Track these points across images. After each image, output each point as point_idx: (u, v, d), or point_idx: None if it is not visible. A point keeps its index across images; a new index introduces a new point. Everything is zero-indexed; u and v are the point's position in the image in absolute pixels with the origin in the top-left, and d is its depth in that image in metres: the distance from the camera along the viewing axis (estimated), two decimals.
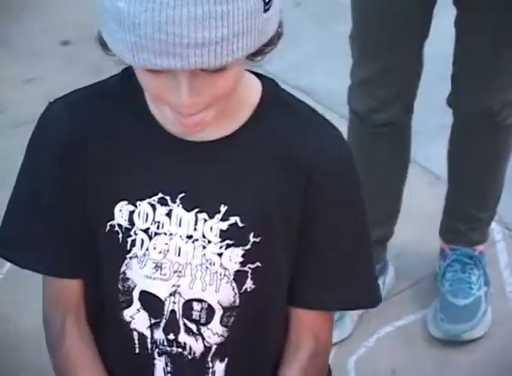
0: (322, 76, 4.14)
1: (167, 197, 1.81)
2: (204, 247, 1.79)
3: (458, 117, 3.07)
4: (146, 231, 1.80)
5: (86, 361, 1.98)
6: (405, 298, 3.31)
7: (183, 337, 1.84)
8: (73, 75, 4.21)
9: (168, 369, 1.88)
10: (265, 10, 1.62)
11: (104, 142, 1.83)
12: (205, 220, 1.80)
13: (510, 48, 2.92)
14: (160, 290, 1.81)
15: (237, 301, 1.82)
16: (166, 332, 1.84)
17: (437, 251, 3.31)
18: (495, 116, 2.98)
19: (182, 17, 1.55)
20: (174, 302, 1.83)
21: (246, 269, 1.81)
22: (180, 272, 1.81)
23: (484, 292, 3.17)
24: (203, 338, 1.86)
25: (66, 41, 4.31)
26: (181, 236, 1.80)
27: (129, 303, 1.85)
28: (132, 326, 1.86)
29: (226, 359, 1.88)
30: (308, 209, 1.81)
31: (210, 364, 1.88)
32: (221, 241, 1.79)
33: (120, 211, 1.81)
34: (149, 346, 1.87)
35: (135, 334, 1.86)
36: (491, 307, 3.14)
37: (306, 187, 1.80)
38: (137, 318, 1.84)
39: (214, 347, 1.86)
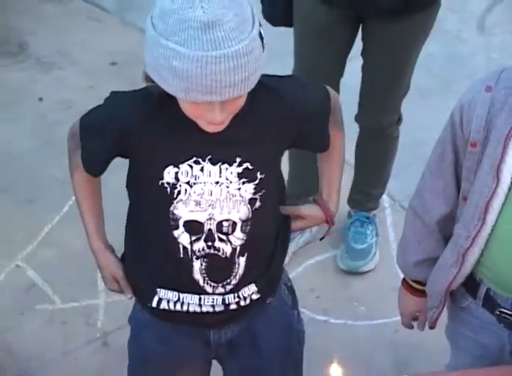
0: None
1: (199, 159, 2.15)
2: (227, 187, 2.17)
3: (361, 129, 3.59)
4: (187, 183, 2.16)
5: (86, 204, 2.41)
6: (324, 242, 3.35)
7: (217, 243, 2.23)
8: (118, 85, 4.45)
9: (203, 268, 2.26)
10: (263, 49, 1.97)
11: (152, 129, 2.16)
12: (226, 169, 2.16)
13: (394, 90, 3.41)
14: (201, 217, 2.19)
15: (250, 215, 2.22)
16: (206, 242, 2.22)
17: (346, 213, 3.87)
18: (384, 130, 3.54)
19: (221, 70, 1.88)
20: (210, 224, 2.21)
21: (256, 196, 2.21)
22: (213, 205, 2.18)
23: (375, 241, 3.76)
24: (231, 243, 2.24)
25: (114, 62, 4.52)
26: (211, 183, 2.16)
27: (176, 227, 2.21)
28: (179, 240, 2.22)
29: (246, 254, 2.27)
30: (297, 134, 2.26)
31: (236, 260, 2.27)
32: (239, 180, 2.17)
33: (169, 173, 2.15)
34: (190, 254, 2.24)
35: (180, 246, 2.23)
36: (379, 250, 3.74)
37: (295, 120, 2.21)
38: (182, 236, 2.22)
39: (238, 248, 2.25)
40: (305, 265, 3.79)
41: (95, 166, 2.32)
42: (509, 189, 2.25)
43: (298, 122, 2.24)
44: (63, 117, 4.12)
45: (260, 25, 1.96)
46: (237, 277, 2.29)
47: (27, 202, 3.94)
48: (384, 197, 3.90)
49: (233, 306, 2.32)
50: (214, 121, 2.02)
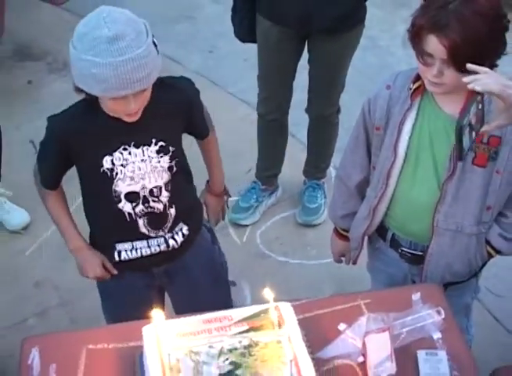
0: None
1: (126, 146, 2.19)
2: (150, 162, 2.21)
3: (310, 118, 3.57)
4: (121, 165, 2.19)
5: (62, 214, 2.39)
6: (286, 204, 3.83)
7: (152, 204, 2.27)
8: None
9: (146, 223, 2.30)
10: (158, 53, 2.04)
11: (85, 133, 2.17)
12: (147, 149, 2.20)
13: (332, 89, 3.40)
14: (136, 188, 2.23)
15: (170, 178, 2.26)
16: (143, 204, 2.25)
17: (301, 181, 3.84)
18: (327, 118, 3.52)
19: (128, 69, 1.94)
20: (144, 191, 2.24)
21: (172, 164, 2.25)
22: (143, 177, 2.22)
23: (324, 201, 3.74)
24: (161, 201, 2.28)
25: None
26: (138, 161, 2.20)
27: (120, 200, 2.25)
28: (123, 209, 2.27)
29: (174, 206, 2.31)
30: (188, 117, 2.27)
31: (168, 211, 2.31)
32: (157, 155, 2.22)
33: (106, 161, 2.18)
34: (134, 216, 2.28)
35: (126, 212, 2.27)
36: (326, 209, 3.60)
37: (188, 109, 2.26)
38: (125, 206, 2.26)
39: (167, 203, 2.29)
40: (272, 221, 3.79)
41: (51, 181, 2.34)
42: (404, 161, 2.31)
43: (189, 107, 2.29)
44: None
45: (153, 36, 2.02)
46: (171, 221, 2.34)
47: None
48: (331, 168, 3.86)
49: (172, 242, 2.37)
50: (130, 111, 2.07)
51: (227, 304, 2.58)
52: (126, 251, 2.36)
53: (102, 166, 2.19)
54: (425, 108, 2.26)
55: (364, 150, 2.42)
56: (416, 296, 2.21)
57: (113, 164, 2.20)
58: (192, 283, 2.50)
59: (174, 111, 2.24)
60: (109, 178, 2.21)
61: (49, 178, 2.33)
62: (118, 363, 2.10)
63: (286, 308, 2.07)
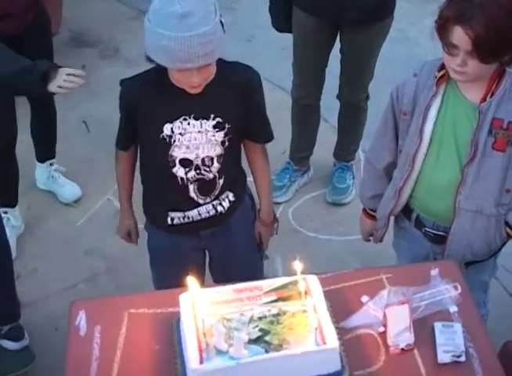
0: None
1: (186, 117, 2.20)
2: (206, 134, 2.23)
3: (341, 104, 3.55)
4: (180, 134, 2.21)
5: (125, 177, 2.45)
6: (317, 183, 3.81)
7: (203, 172, 2.28)
8: None
9: (196, 188, 2.31)
10: (224, 32, 2.04)
11: (151, 99, 2.18)
12: (205, 122, 2.21)
13: (362, 77, 3.38)
14: (190, 156, 2.25)
15: (222, 151, 2.27)
16: (195, 171, 2.26)
17: (331, 163, 3.82)
18: (356, 104, 3.50)
19: (194, 44, 1.96)
20: (197, 160, 2.26)
21: (225, 139, 2.25)
22: (197, 147, 2.24)
23: (352, 182, 3.71)
24: (211, 171, 2.29)
25: None
26: (195, 132, 2.22)
27: (174, 165, 2.26)
28: (177, 174, 2.28)
29: (223, 177, 2.32)
30: (247, 103, 2.25)
31: (217, 180, 2.32)
32: (213, 129, 2.22)
33: (166, 128, 2.20)
34: (185, 181, 2.29)
35: (178, 177, 2.28)
36: (354, 189, 3.67)
37: (247, 93, 2.24)
38: (178, 171, 2.27)
39: (217, 174, 2.30)
40: (304, 199, 3.78)
41: (122, 142, 2.38)
42: (428, 145, 2.28)
43: (248, 91, 2.27)
44: None
45: (220, 15, 2.02)
46: (219, 189, 2.35)
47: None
48: (360, 152, 3.84)
49: (220, 208, 2.38)
50: (193, 83, 2.08)
51: (259, 265, 2.62)
52: (179, 218, 2.37)
53: (162, 132, 2.21)
54: (449, 95, 2.25)
55: (392, 134, 2.40)
56: (434, 272, 2.19)
57: (172, 131, 2.21)
58: (233, 243, 2.50)
59: (234, 92, 2.22)
60: (167, 143, 2.22)
61: (121, 138, 2.36)
62: (157, 327, 2.11)
63: (313, 280, 2.07)
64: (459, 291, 2.16)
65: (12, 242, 3.22)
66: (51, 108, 3.47)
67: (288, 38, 3.39)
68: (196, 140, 2.23)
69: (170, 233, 2.43)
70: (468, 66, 2.09)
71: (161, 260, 2.52)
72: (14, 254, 3.20)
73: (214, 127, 2.23)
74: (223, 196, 2.38)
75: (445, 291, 2.16)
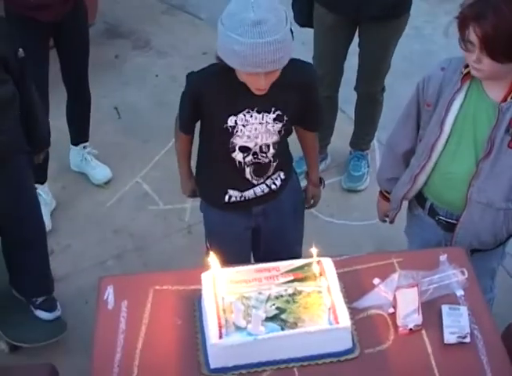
0: None
1: (250, 109, 2.19)
2: (266, 126, 2.22)
3: (358, 95, 3.51)
4: (242, 125, 2.20)
5: (185, 155, 2.48)
6: (334, 171, 3.74)
7: (260, 157, 2.29)
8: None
9: (251, 170, 2.32)
10: (293, 39, 2.03)
11: (217, 92, 2.17)
12: (266, 115, 2.20)
13: (379, 70, 3.33)
14: (250, 144, 2.25)
15: (278, 138, 2.28)
16: (253, 156, 2.28)
17: (347, 152, 3.77)
18: (373, 96, 3.45)
19: (265, 51, 1.93)
20: (255, 147, 2.26)
21: (282, 129, 2.26)
22: (257, 136, 2.24)
23: (367, 170, 3.67)
24: (268, 156, 2.31)
25: (205, 52, 4.25)
26: (257, 124, 2.21)
27: (234, 150, 2.26)
28: (235, 158, 2.29)
29: (277, 160, 2.34)
30: (305, 98, 2.25)
31: (271, 164, 2.34)
32: (273, 122, 2.23)
33: (230, 120, 2.19)
34: (243, 164, 2.30)
35: (237, 160, 2.29)
36: (369, 177, 3.63)
37: (306, 90, 2.23)
38: (237, 155, 2.28)
39: (272, 158, 2.32)
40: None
41: (186, 127, 2.37)
42: (448, 137, 2.26)
43: (308, 88, 2.26)
44: (170, 87, 4.14)
45: (291, 23, 2.00)
46: (272, 171, 2.37)
47: (144, 142, 3.92)
48: (375, 142, 3.81)
49: (273, 186, 2.39)
50: (260, 86, 2.07)
51: (301, 239, 2.64)
52: (236, 197, 2.38)
53: (226, 123, 2.20)
54: (472, 91, 2.23)
55: (414, 123, 2.38)
56: (443, 257, 2.18)
57: (235, 123, 2.20)
58: (283, 218, 2.50)
59: (294, 88, 2.20)
60: (229, 133, 2.22)
61: (185, 124, 2.36)
62: (180, 303, 2.11)
63: (328, 262, 2.07)
64: (466, 276, 2.15)
65: (46, 217, 3.25)
66: (86, 94, 3.46)
67: (308, 33, 3.35)
68: (256, 131, 2.23)
69: (224, 211, 2.43)
70: (483, 64, 2.07)
71: (218, 237, 2.53)
72: (49, 228, 3.26)
73: (275, 119, 2.22)
74: (275, 175, 2.39)
75: (453, 276, 2.15)
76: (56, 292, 2.99)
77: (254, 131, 2.22)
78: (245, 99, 2.16)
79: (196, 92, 2.22)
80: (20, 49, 2.49)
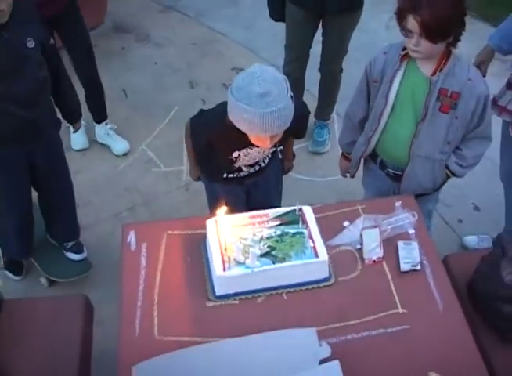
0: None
1: (251, 146, 2.10)
2: (264, 152, 2.19)
3: (321, 74, 3.39)
4: (244, 155, 2.16)
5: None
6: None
7: (256, 165, 2.26)
8: (195, 55, 4.11)
9: (247, 167, 2.26)
10: (293, 103, 1.88)
11: (223, 135, 2.04)
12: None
13: (338, 54, 3.26)
14: (250, 163, 2.22)
15: (271, 156, 2.28)
16: (251, 167, 2.25)
17: (312, 122, 3.59)
18: (333, 75, 3.37)
19: (272, 118, 1.84)
20: (253, 164, 2.24)
21: (277, 150, 2.29)
22: (255, 159, 2.20)
23: (328, 136, 3.59)
24: (264, 162, 2.29)
25: (194, 43, 4.12)
26: (256, 153, 2.16)
27: (240, 170, 2.25)
28: (235, 165, 2.21)
29: (268, 158, 2.28)
30: (299, 126, 2.19)
31: (264, 161, 2.28)
32: (269, 150, 2.18)
33: (235, 153, 2.14)
34: (242, 167, 2.24)
35: (236, 165, 2.21)
36: (330, 142, 3.55)
37: (299, 123, 2.14)
38: (237, 164, 2.21)
39: (266, 160, 2.29)
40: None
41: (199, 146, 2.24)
42: (392, 106, 2.24)
43: (300, 121, 2.16)
44: (166, 73, 4.06)
45: (291, 91, 1.88)
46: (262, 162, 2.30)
47: (147, 116, 3.81)
48: (334, 114, 3.74)
49: (262, 164, 2.31)
50: (266, 146, 2.00)
51: (281, 195, 2.58)
52: (232, 177, 2.31)
53: (231, 156, 2.14)
54: (409, 69, 2.21)
55: (365, 96, 2.36)
56: (398, 203, 2.19)
57: (239, 155, 2.15)
58: (267, 185, 2.44)
59: (291, 126, 2.03)
60: (233, 161, 2.18)
61: (198, 145, 2.23)
62: (189, 244, 2.08)
63: (308, 210, 2.05)
64: (416, 217, 2.16)
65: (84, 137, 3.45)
66: (97, 83, 3.37)
67: (278, 26, 3.28)
68: (255, 158, 2.20)
69: (222, 184, 2.36)
70: (421, 46, 2.06)
71: (218, 198, 2.41)
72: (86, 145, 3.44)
73: (271, 148, 2.17)
74: (265, 159, 2.33)
75: (406, 218, 2.15)
76: (82, 238, 2.97)
77: (253, 157, 2.18)
78: (248, 140, 2.02)
79: (205, 137, 2.12)
80: (51, 37, 2.39)
